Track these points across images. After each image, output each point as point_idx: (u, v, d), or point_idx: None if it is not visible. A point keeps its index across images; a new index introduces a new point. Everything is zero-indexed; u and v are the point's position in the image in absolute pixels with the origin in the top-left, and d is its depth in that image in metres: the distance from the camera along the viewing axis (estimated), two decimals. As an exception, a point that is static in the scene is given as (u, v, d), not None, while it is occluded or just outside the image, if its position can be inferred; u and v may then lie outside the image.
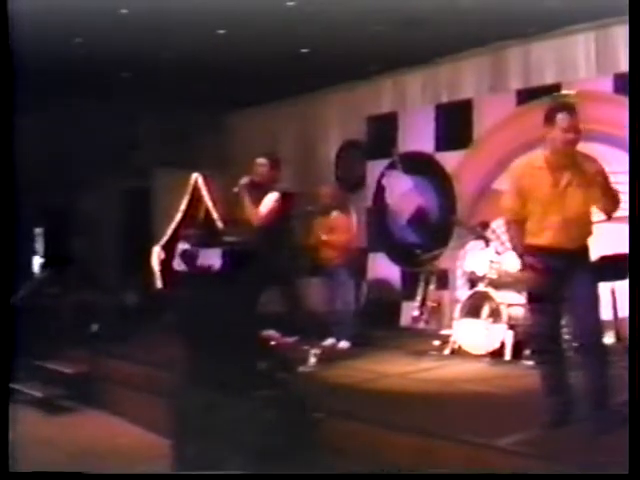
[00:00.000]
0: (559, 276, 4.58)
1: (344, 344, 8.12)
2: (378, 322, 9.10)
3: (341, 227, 8.38)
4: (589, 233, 4.75)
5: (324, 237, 8.26)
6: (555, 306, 4.70)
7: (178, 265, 9.98)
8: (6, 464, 3.84)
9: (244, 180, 7.04)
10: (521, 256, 4.87)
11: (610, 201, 4.59)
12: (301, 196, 9.78)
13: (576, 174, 4.57)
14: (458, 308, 7.78)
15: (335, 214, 8.44)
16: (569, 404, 4.70)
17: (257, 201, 7.11)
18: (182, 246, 10.03)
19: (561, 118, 4.56)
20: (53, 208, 11.44)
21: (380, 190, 10.84)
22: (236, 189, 7.11)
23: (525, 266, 4.84)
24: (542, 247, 4.66)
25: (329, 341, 8.22)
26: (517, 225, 4.85)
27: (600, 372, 4.58)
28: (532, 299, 4.93)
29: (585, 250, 4.72)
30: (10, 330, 4.76)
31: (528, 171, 4.83)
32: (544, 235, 4.65)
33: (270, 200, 7.06)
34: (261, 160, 7.24)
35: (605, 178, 4.60)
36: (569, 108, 4.70)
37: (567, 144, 4.55)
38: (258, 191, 7.14)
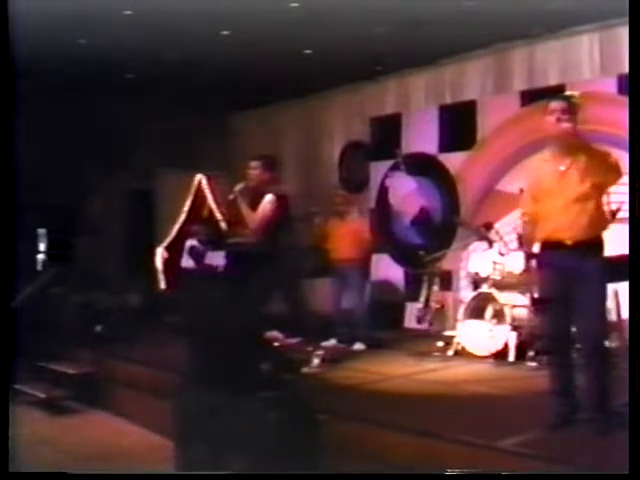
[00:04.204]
0: (568, 274, 4.58)
1: (359, 346, 8.15)
2: (382, 323, 9.08)
3: (359, 229, 8.47)
4: (599, 223, 4.69)
5: (342, 239, 8.35)
6: (563, 306, 4.67)
7: (186, 262, 9.98)
8: (6, 464, 3.84)
9: (239, 186, 7.02)
10: (529, 257, 4.90)
11: (609, 171, 4.59)
12: (304, 197, 9.81)
13: (577, 158, 4.60)
14: (462, 309, 7.78)
15: (350, 217, 8.52)
16: (574, 405, 4.69)
17: (254, 205, 7.09)
18: (190, 242, 10.05)
19: (552, 105, 4.65)
20: (56, 209, 11.44)
21: (384, 191, 10.84)
22: (231, 196, 7.09)
23: (531, 266, 4.88)
24: (550, 241, 4.68)
25: (331, 342, 8.24)
26: (531, 225, 4.89)
27: (604, 374, 4.56)
28: (541, 298, 4.93)
29: (594, 247, 4.65)
30: (13, 330, 4.76)
31: (537, 165, 4.95)
32: (551, 225, 4.66)
33: (266, 203, 7.03)
34: (253, 163, 7.19)
35: (599, 151, 4.64)
36: (561, 98, 4.77)
37: (561, 129, 4.59)
38: (254, 195, 7.11)
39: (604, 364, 4.59)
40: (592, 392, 4.59)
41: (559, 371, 4.79)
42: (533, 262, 4.99)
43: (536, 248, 5.14)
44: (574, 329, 4.78)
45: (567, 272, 4.58)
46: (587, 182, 4.58)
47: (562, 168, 4.63)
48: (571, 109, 4.62)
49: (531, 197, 4.89)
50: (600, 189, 4.66)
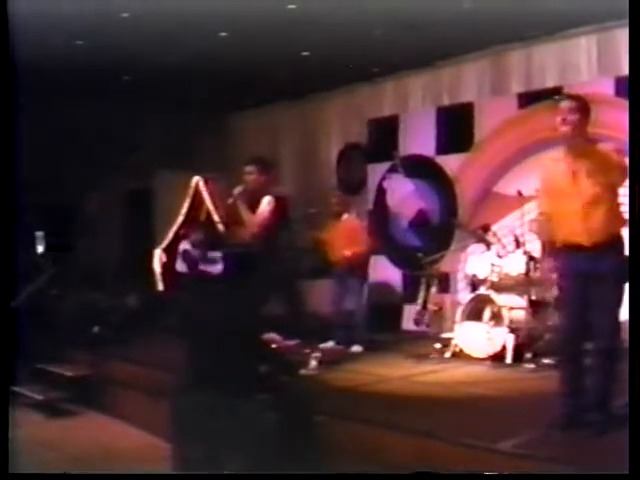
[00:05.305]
0: (586, 277, 4.57)
1: (357, 348, 8.15)
2: (379, 325, 9.09)
3: (355, 230, 8.47)
4: (616, 223, 4.65)
5: (341, 241, 8.34)
6: (580, 307, 4.65)
7: (180, 266, 9.97)
8: (6, 464, 3.84)
9: (237, 190, 7.03)
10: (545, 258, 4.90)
11: (615, 170, 4.55)
12: (302, 199, 9.81)
13: (584, 159, 4.58)
14: (459, 311, 7.77)
15: (345, 217, 8.53)
16: (583, 406, 4.68)
17: (253, 208, 7.10)
18: (183, 246, 10.04)
19: (561, 105, 4.66)
20: (55, 210, 11.45)
21: (381, 193, 10.84)
22: (230, 200, 7.10)
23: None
24: (565, 243, 4.68)
25: (329, 343, 8.23)
26: (548, 225, 4.90)
27: (615, 375, 4.56)
28: (558, 300, 4.94)
29: (613, 247, 4.61)
30: (12, 332, 4.76)
31: (547, 165, 4.95)
32: (567, 228, 4.65)
33: (264, 205, 7.05)
34: (249, 168, 7.19)
35: (605, 151, 4.62)
36: (570, 98, 4.79)
37: (565, 130, 4.59)
38: (253, 198, 7.12)
39: (616, 365, 4.57)
40: (602, 393, 4.59)
41: (570, 373, 4.77)
42: (548, 263, 4.97)
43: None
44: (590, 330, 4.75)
45: (587, 274, 4.56)
46: (598, 182, 4.55)
47: (572, 169, 4.60)
48: (580, 110, 4.62)
49: (545, 197, 4.90)
50: (611, 188, 4.63)
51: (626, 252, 4.60)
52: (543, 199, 4.96)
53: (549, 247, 5.12)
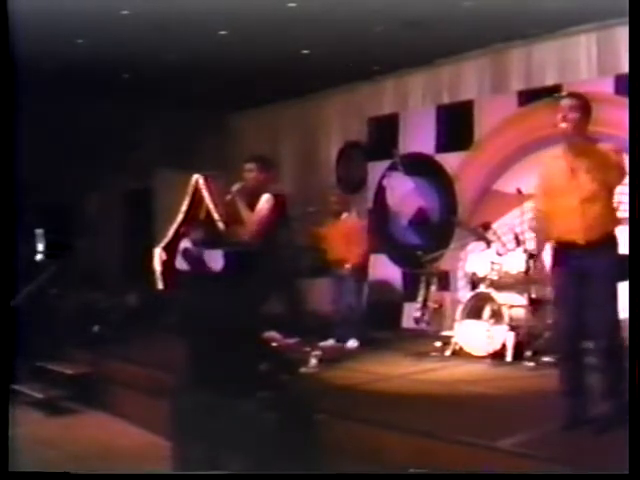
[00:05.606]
0: (581, 274, 4.57)
1: (352, 343, 8.16)
2: (379, 323, 9.09)
3: (354, 229, 8.47)
4: (611, 221, 4.67)
5: (340, 240, 8.36)
6: (573, 305, 4.66)
7: (180, 264, 9.96)
8: (6, 463, 3.84)
9: (235, 187, 7.01)
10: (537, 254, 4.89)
11: (614, 170, 4.54)
12: (302, 197, 9.81)
13: (583, 157, 4.58)
14: (459, 309, 7.78)
15: (345, 216, 8.54)
16: (585, 406, 4.68)
17: (252, 206, 7.09)
18: (184, 244, 10.02)
19: (561, 103, 4.65)
20: (54, 209, 11.45)
21: (381, 191, 10.84)
22: (229, 197, 7.08)
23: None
24: (562, 241, 4.68)
25: (329, 342, 8.23)
26: (543, 222, 4.90)
27: (617, 373, 4.56)
28: (555, 298, 4.94)
29: (607, 245, 4.62)
30: (12, 331, 4.77)
31: (547, 162, 4.96)
32: (564, 225, 4.65)
33: (263, 203, 7.04)
34: (249, 165, 7.15)
35: (604, 150, 4.61)
36: (571, 96, 4.78)
37: (565, 128, 4.59)
38: (252, 196, 7.11)
39: (614, 363, 4.57)
40: (601, 390, 4.59)
41: (569, 371, 4.77)
42: (544, 261, 4.98)
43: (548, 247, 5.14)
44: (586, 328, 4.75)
45: (581, 272, 4.57)
46: (595, 180, 4.55)
47: (571, 166, 4.61)
48: (580, 108, 4.61)
49: (543, 194, 4.90)
50: (608, 187, 4.63)
51: (619, 251, 4.63)
52: (540, 196, 4.97)
53: (545, 245, 5.12)
